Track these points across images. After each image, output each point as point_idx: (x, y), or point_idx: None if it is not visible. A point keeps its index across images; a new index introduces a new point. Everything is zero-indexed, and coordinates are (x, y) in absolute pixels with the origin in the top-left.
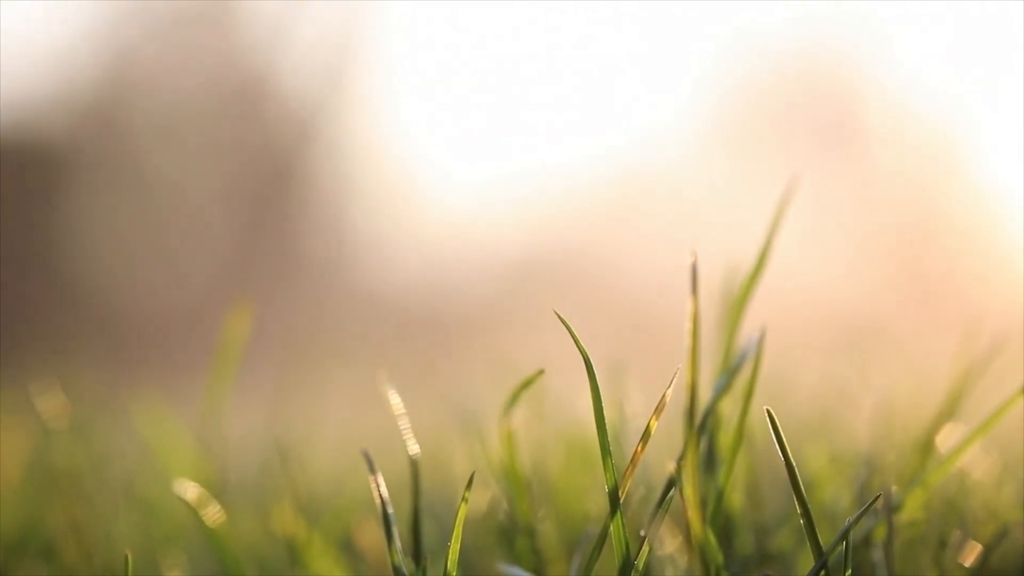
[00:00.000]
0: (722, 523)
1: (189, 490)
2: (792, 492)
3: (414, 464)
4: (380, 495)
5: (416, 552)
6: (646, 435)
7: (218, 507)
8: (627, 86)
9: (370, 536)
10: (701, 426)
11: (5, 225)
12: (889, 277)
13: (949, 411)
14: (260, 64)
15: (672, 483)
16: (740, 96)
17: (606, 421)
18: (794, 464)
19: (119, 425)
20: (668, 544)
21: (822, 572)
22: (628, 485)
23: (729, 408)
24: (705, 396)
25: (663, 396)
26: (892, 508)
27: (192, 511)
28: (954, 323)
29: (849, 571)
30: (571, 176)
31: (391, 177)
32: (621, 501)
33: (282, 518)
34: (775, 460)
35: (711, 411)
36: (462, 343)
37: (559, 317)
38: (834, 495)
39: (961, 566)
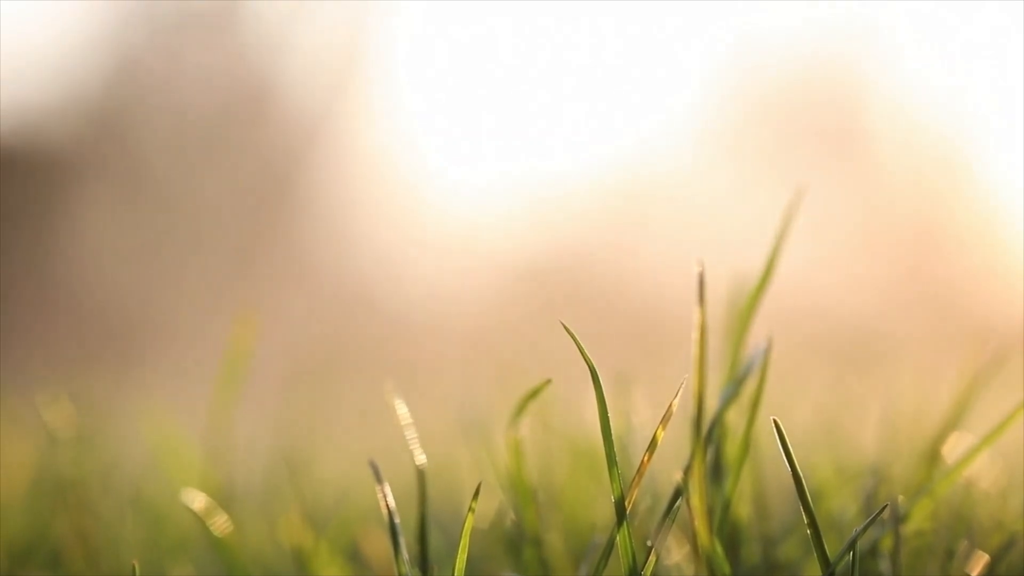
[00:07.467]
0: (729, 533)
1: (196, 499)
2: (799, 502)
3: (420, 473)
4: (387, 504)
5: (423, 562)
6: (653, 444)
7: (225, 516)
8: (632, 91)
9: (376, 545)
10: (708, 436)
11: (8, 232)
12: (895, 286)
13: (955, 420)
14: (265, 70)
15: (679, 493)
16: (746, 102)
17: (612, 431)
18: (801, 474)
19: (125, 434)
20: (675, 554)
21: None
22: (635, 495)
23: (736, 418)
24: (712, 406)
25: (670, 405)
26: (899, 518)
27: (199, 520)
28: (960, 332)
29: None
30: (576, 182)
31: (396, 183)
32: (628, 511)
33: (289, 527)
34: (782, 470)
35: (718, 421)
36: (468, 351)
37: (565, 327)
38: (841, 505)
39: None
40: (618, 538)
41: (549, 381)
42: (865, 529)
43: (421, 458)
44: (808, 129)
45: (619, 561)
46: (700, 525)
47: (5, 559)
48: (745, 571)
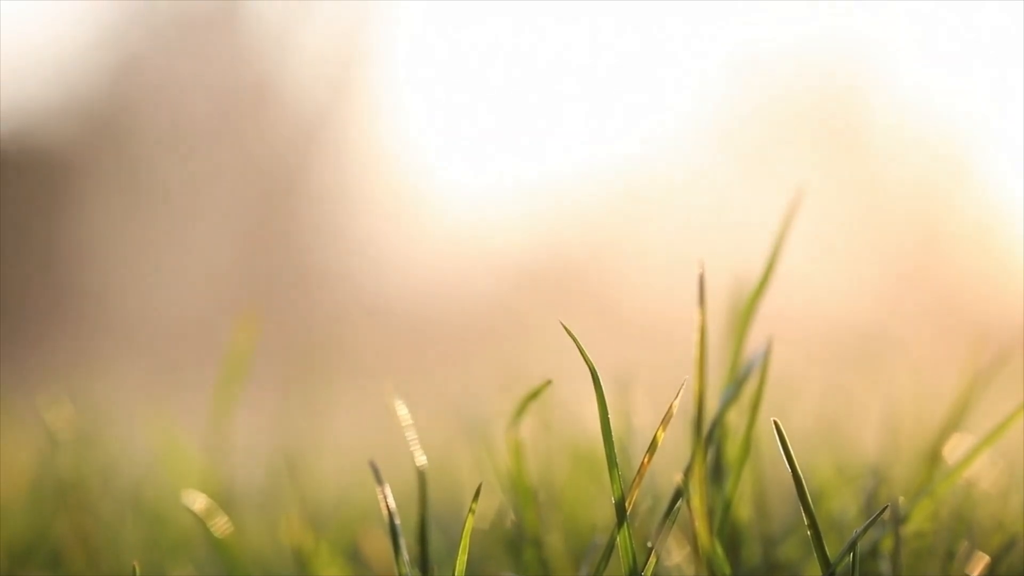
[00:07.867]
0: (729, 534)
1: (196, 500)
2: (799, 503)
3: (421, 474)
4: (387, 505)
5: (423, 562)
6: (653, 445)
7: (225, 517)
8: (634, 93)
9: (377, 546)
10: (708, 437)
11: (9, 233)
12: (895, 286)
13: (956, 421)
14: (265, 70)
15: (679, 493)
16: (747, 103)
17: (613, 431)
18: (801, 475)
19: (126, 435)
20: (675, 555)
21: None
22: (635, 495)
23: (736, 419)
24: (712, 407)
25: (670, 407)
26: (899, 519)
27: (200, 521)
28: (961, 333)
29: None
30: (577, 183)
31: (396, 183)
32: (628, 511)
33: (289, 528)
34: (782, 471)
35: (718, 421)
36: (468, 352)
37: (565, 328)
38: (841, 506)
39: None
40: (618, 539)
41: (550, 382)
42: (866, 530)
43: (421, 459)
44: (808, 130)
45: (619, 562)
46: (700, 526)
47: (5, 559)
48: (745, 572)
